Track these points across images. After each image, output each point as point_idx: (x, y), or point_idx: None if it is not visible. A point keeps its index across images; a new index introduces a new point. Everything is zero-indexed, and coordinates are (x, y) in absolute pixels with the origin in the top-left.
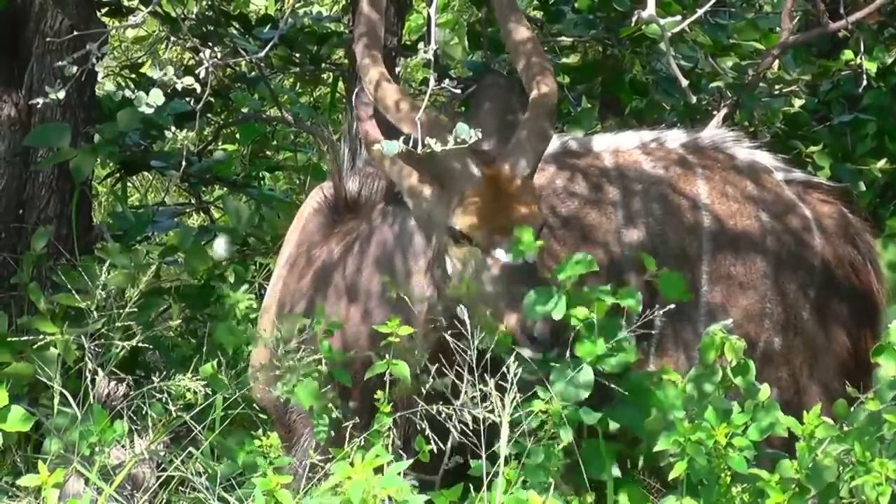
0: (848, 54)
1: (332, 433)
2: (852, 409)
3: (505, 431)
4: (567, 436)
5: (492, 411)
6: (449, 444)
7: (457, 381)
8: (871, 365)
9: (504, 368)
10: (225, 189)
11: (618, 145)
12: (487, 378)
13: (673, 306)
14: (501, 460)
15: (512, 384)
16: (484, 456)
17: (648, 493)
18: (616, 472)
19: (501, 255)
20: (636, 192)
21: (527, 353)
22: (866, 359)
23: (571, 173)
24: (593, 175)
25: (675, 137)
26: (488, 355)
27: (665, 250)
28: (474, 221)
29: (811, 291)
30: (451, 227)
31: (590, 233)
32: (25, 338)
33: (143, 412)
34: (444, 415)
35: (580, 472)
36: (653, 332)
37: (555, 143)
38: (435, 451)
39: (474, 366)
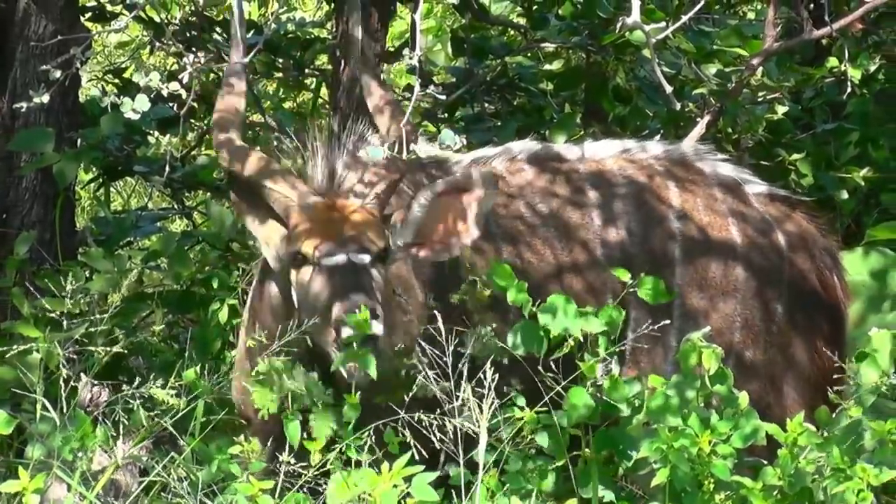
0: (832, 62)
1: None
2: (833, 415)
3: (483, 438)
4: (543, 440)
5: (469, 419)
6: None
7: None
8: (836, 377)
9: (480, 374)
10: (208, 194)
11: (596, 153)
12: (464, 384)
13: (650, 320)
14: (480, 465)
15: (489, 390)
16: (462, 462)
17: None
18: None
19: (329, 261)
20: (614, 198)
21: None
22: (833, 371)
23: (552, 176)
24: (572, 180)
25: (652, 148)
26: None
27: (640, 259)
28: (312, 239)
29: (780, 304)
30: (292, 253)
31: (570, 233)
32: (9, 344)
33: (126, 417)
34: (424, 422)
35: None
36: (627, 339)
37: (535, 148)
38: (416, 457)
39: (450, 372)
